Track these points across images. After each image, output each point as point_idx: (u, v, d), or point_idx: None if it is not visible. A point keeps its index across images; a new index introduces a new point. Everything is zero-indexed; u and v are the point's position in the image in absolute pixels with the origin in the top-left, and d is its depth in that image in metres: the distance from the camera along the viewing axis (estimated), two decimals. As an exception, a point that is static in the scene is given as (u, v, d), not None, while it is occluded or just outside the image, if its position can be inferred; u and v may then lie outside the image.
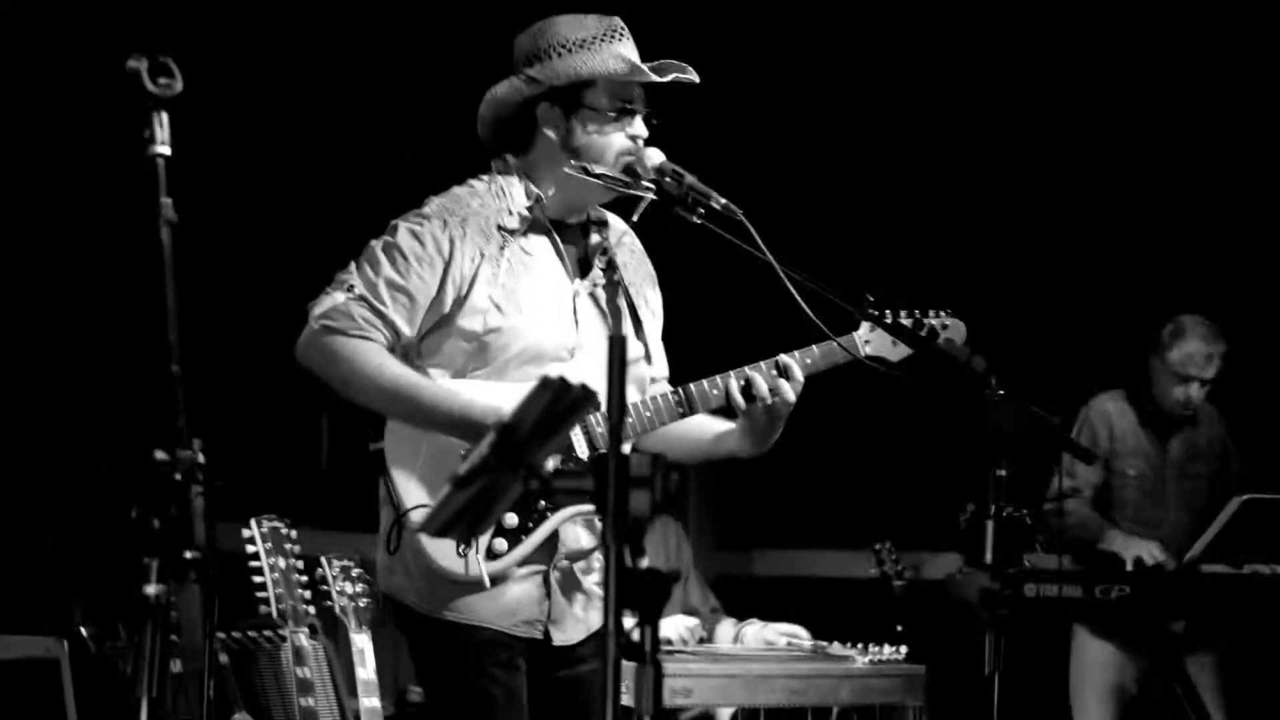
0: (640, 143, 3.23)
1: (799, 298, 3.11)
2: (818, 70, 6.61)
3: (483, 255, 3.18)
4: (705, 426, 3.35)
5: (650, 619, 2.13)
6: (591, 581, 3.26)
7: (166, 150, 2.35)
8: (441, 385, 3.14)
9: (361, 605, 3.82)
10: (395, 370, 3.12)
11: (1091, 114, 6.54)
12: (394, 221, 3.22)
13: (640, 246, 3.42)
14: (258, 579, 3.77)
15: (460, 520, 2.33)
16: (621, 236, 3.36)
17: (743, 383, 3.21)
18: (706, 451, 3.38)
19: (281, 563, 3.78)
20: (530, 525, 3.14)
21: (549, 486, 2.31)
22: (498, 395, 3.06)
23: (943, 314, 3.39)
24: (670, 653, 4.61)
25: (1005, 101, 6.55)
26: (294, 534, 3.83)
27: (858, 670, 4.48)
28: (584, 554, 3.25)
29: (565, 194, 3.26)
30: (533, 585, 3.20)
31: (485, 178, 3.30)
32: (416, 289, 3.15)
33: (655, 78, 3.22)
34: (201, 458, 2.25)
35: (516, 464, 2.25)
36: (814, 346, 3.27)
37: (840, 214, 6.66)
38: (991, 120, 6.57)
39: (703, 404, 3.23)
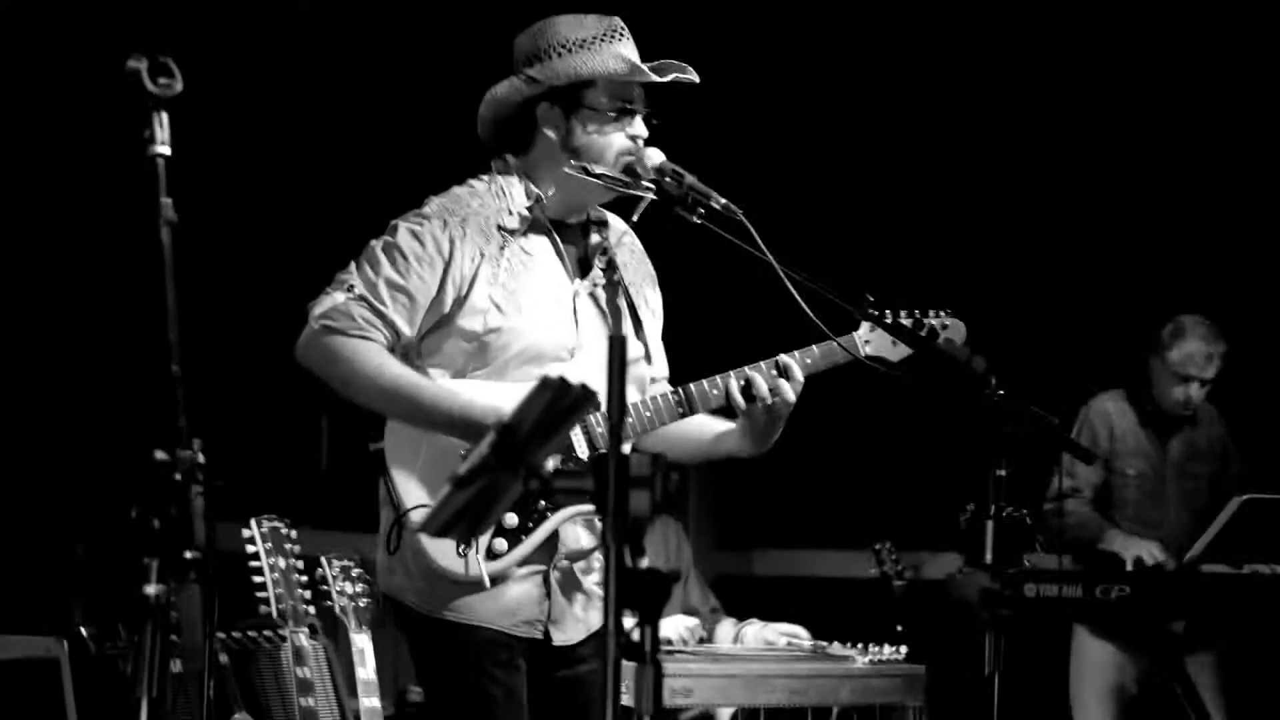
0: (640, 143, 3.23)
1: (799, 298, 3.11)
2: (818, 70, 6.61)
3: (483, 255, 3.18)
4: (705, 426, 3.35)
5: (650, 619, 2.13)
6: (591, 581, 3.26)
7: (166, 150, 2.35)
8: (441, 385, 3.14)
9: (361, 605, 3.82)
10: (395, 370, 3.12)
11: (1091, 114, 6.54)
12: (394, 221, 3.22)
13: (640, 246, 3.42)
14: (258, 579, 3.77)
15: (460, 520, 2.33)
16: (621, 236, 3.36)
17: (743, 383, 3.21)
18: (706, 451, 3.38)
19: (281, 563, 3.78)
20: (530, 525, 3.14)
21: (549, 486, 2.31)
22: (498, 395, 3.06)
23: (943, 314, 3.39)
24: (670, 653, 4.61)
25: (1005, 101, 6.55)
26: (294, 534, 3.83)
27: (858, 670, 4.49)
28: (584, 554, 3.25)
29: (565, 194, 3.26)
30: (533, 585, 3.20)
31: (485, 178, 3.30)
32: (416, 289, 3.15)
33: (655, 78, 3.22)
34: (201, 458, 2.25)
35: (516, 464, 2.25)
36: (814, 346, 3.27)
37: (840, 214, 6.65)
38: (991, 120, 6.57)
39: (702, 404, 3.23)
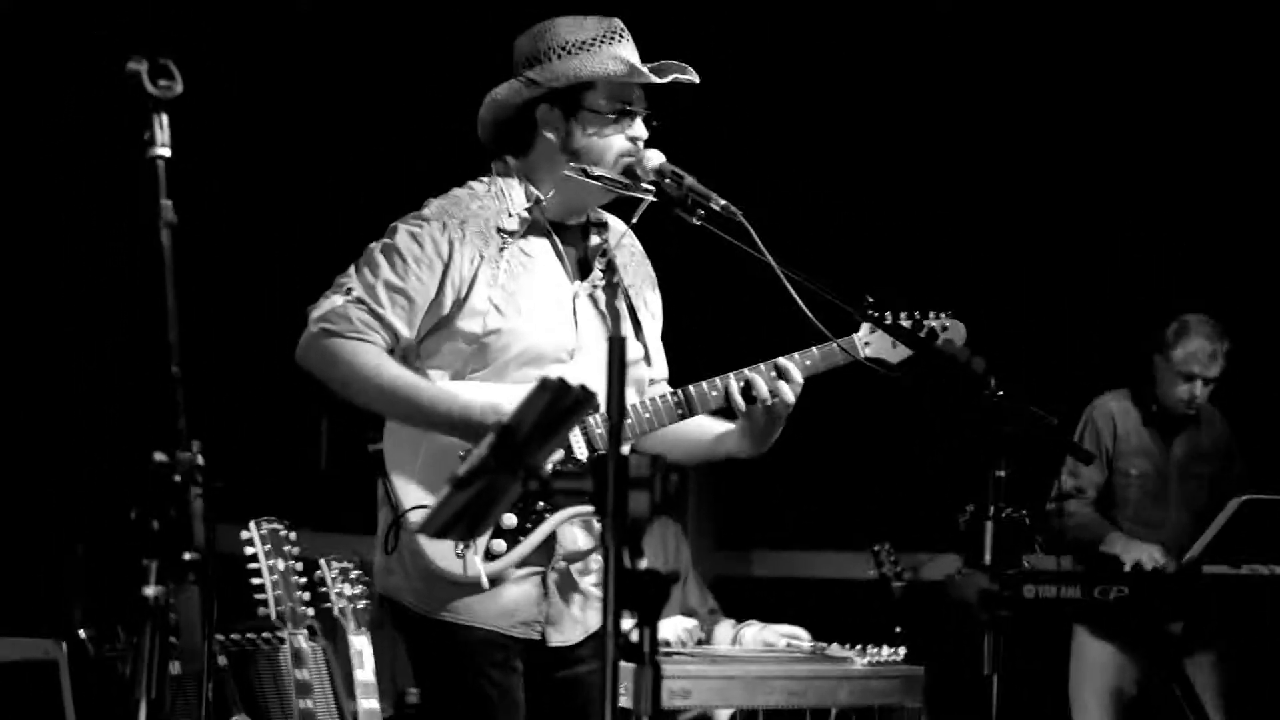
0: (640, 144, 3.23)
1: (798, 299, 3.11)
2: (818, 70, 6.60)
3: (482, 257, 3.18)
4: (705, 427, 3.35)
5: (649, 620, 2.13)
6: (589, 583, 3.26)
7: (166, 152, 2.35)
8: (440, 386, 3.14)
9: (360, 607, 3.82)
10: (393, 372, 3.12)
11: (1093, 114, 6.54)
12: (393, 224, 3.22)
13: (640, 248, 3.43)
14: (256, 581, 3.77)
15: (459, 521, 2.33)
16: (621, 238, 3.36)
17: (742, 384, 3.21)
18: (706, 452, 3.39)
19: (281, 564, 3.78)
20: (529, 526, 3.14)
21: (548, 488, 2.31)
22: (497, 396, 3.06)
23: (943, 315, 3.39)
24: (669, 654, 4.61)
25: (1005, 101, 6.55)
26: (294, 536, 3.83)
27: (856, 671, 4.49)
28: (582, 555, 3.25)
29: (565, 196, 3.26)
30: (530, 586, 3.20)
31: (485, 179, 3.30)
32: (415, 290, 3.15)
33: (654, 79, 3.22)
34: (201, 459, 2.25)
35: (516, 465, 2.25)
36: (814, 348, 3.27)
37: (840, 214, 6.65)
38: (992, 120, 6.57)
39: (702, 405, 3.23)
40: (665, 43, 3.34)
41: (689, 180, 3.16)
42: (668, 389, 3.30)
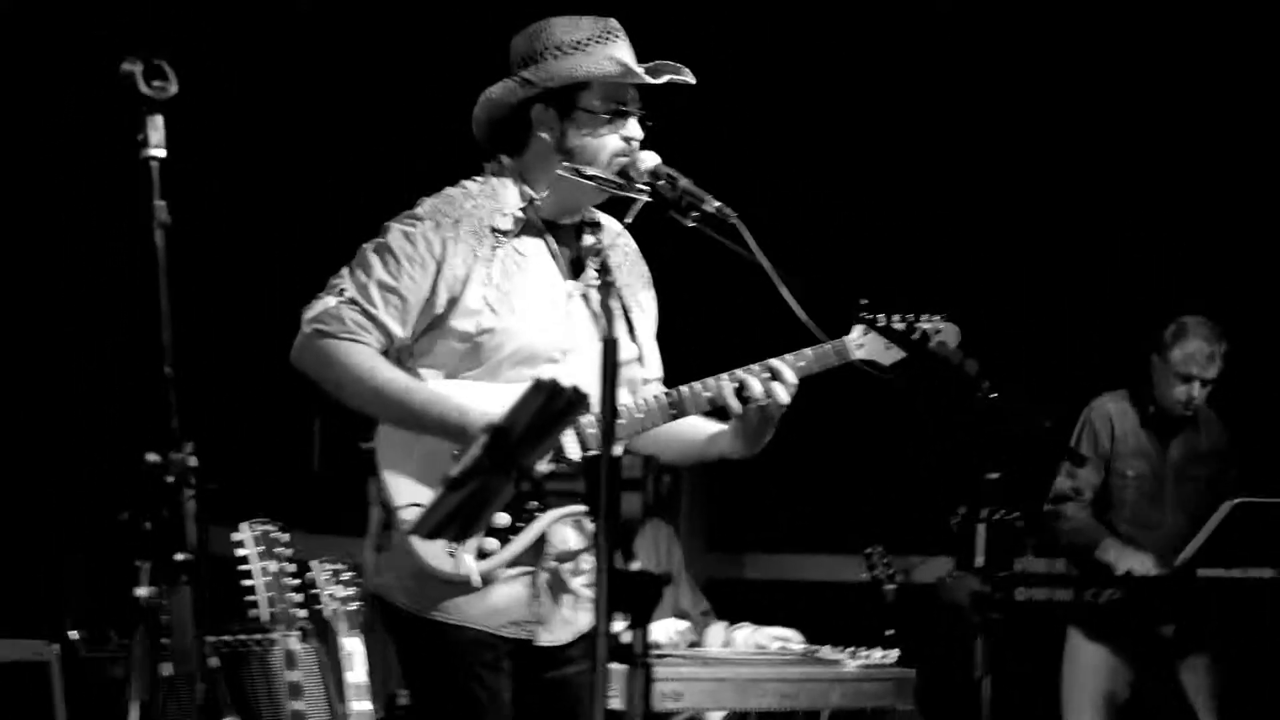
0: (635, 145, 3.23)
1: (791, 301, 3.11)
2: (817, 71, 6.60)
3: (476, 256, 3.18)
4: (698, 428, 3.35)
5: (641, 622, 2.13)
6: (579, 583, 3.26)
7: (160, 153, 2.35)
8: (433, 389, 3.14)
9: (351, 609, 3.82)
10: (386, 374, 3.12)
11: (1092, 114, 6.54)
12: (386, 223, 3.22)
13: (635, 248, 3.42)
14: (248, 582, 3.76)
15: (452, 522, 2.33)
16: (616, 238, 3.36)
17: (736, 385, 3.21)
18: (699, 453, 3.38)
19: (273, 566, 3.77)
20: (520, 525, 3.14)
21: (540, 488, 2.31)
22: (489, 398, 3.06)
23: (936, 318, 3.39)
24: (660, 656, 4.61)
25: (1005, 102, 6.55)
26: (286, 537, 3.83)
27: (848, 674, 4.49)
28: (572, 555, 3.25)
29: (559, 195, 3.26)
30: (521, 586, 3.19)
31: (479, 179, 3.30)
32: (408, 290, 3.15)
33: (648, 79, 3.22)
34: (194, 460, 2.25)
35: (509, 466, 2.25)
36: (807, 349, 3.27)
37: (837, 215, 6.65)
38: (991, 121, 6.57)
39: (695, 406, 3.23)
40: (662, 43, 3.34)
41: (684, 181, 3.16)
42: (661, 389, 3.30)
